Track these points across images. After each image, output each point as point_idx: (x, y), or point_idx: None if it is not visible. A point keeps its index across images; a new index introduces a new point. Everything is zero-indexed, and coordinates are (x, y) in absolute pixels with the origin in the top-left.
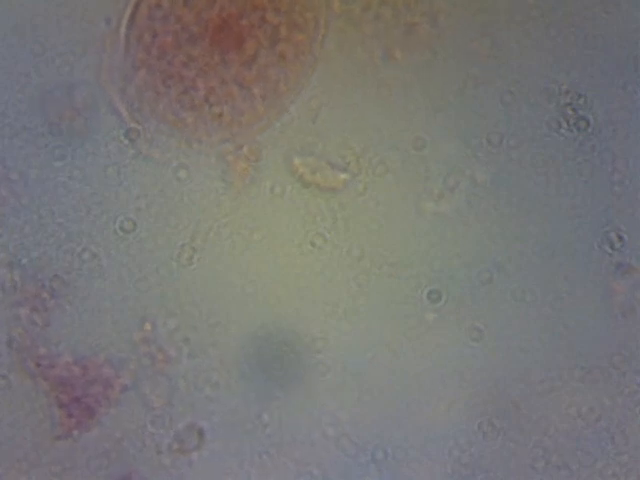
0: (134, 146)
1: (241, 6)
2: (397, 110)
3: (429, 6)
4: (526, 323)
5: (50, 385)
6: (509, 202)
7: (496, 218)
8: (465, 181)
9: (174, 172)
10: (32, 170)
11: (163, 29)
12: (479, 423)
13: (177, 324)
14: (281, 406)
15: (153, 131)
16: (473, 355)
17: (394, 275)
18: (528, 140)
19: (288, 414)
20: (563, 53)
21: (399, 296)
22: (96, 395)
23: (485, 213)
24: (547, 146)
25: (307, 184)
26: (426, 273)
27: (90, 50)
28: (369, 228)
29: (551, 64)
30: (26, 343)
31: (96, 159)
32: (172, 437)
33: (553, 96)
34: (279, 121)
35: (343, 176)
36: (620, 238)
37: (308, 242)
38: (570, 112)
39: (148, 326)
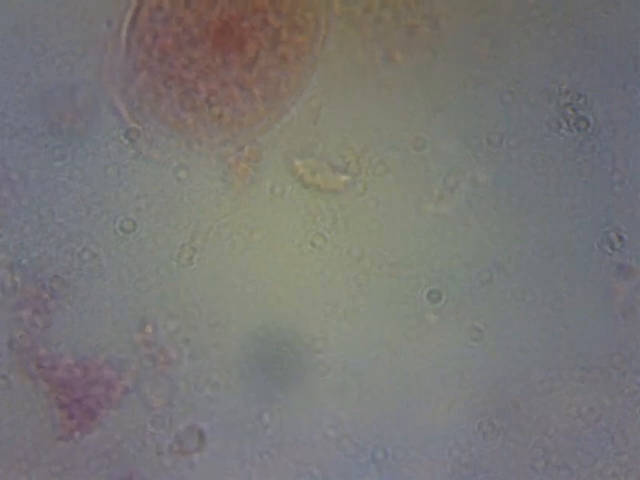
0: (134, 146)
1: (242, 8)
2: (397, 110)
3: (429, 8)
4: (526, 323)
5: (51, 386)
6: (509, 202)
7: (496, 218)
8: (465, 181)
9: (174, 172)
10: (32, 170)
11: (164, 31)
12: (479, 423)
13: (177, 325)
14: (281, 406)
15: (153, 131)
16: (473, 355)
17: (394, 275)
18: (528, 140)
19: (288, 414)
20: (563, 53)
21: (399, 296)
22: (97, 396)
23: (485, 213)
24: (547, 146)
25: (307, 185)
26: (426, 273)
27: (90, 50)
28: (369, 228)
29: (551, 64)
30: (27, 344)
31: (96, 159)
32: (173, 438)
33: (553, 96)
34: (280, 122)
35: (344, 178)
36: (620, 238)
37: (308, 242)
38: (570, 112)
39: (149, 329)
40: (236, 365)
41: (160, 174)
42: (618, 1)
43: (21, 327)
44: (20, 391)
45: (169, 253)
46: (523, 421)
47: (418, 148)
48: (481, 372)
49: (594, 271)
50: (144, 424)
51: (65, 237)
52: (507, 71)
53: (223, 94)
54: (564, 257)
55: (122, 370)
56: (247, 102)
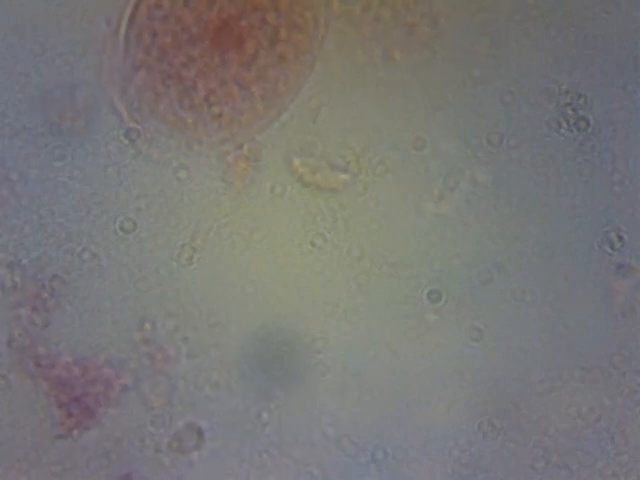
0: (134, 146)
1: (241, 7)
2: (397, 110)
3: (428, 6)
4: (526, 323)
5: (50, 385)
6: (509, 202)
7: (496, 218)
8: (465, 181)
9: (174, 172)
10: (32, 170)
11: (163, 29)
12: (479, 423)
13: (177, 324)
14: (281, 406)
15: (153, 131)
16: (473, 355)
17: (394, 275)
18: (528, 140)
19: (288, 414)
20: (563, 53)
21: (399, 296)
22: (96, 395)
23: (485, 213)
24: (547, 146)
25: (307, 184)
26: (426, 273)
27: (90, 50)
28: (369, 228)
29: (551, 64)
30: (26, 343)
31: (96, 159)
32: (172, 436)
33: (553, 96)
34: (279, 121)
35: (343, 176)
36: (620, 238)
37: (308, 242)
38: (570, 112)
39: (148, 326)
40: (236, 365)
41: (160, 174)
42: (618, 1)
43: (20, 326)
44: (20, 391)
45: (169, 253)
46: (523, 421)
47: (418, 148)
48: (481, 372)
49: (594, 271)
50: (143, 423)
51: (65, 237)
52: (507, 71)
53: (222, 93)
54: (564, 257)
55: (121, 369)
56: (246, 101)
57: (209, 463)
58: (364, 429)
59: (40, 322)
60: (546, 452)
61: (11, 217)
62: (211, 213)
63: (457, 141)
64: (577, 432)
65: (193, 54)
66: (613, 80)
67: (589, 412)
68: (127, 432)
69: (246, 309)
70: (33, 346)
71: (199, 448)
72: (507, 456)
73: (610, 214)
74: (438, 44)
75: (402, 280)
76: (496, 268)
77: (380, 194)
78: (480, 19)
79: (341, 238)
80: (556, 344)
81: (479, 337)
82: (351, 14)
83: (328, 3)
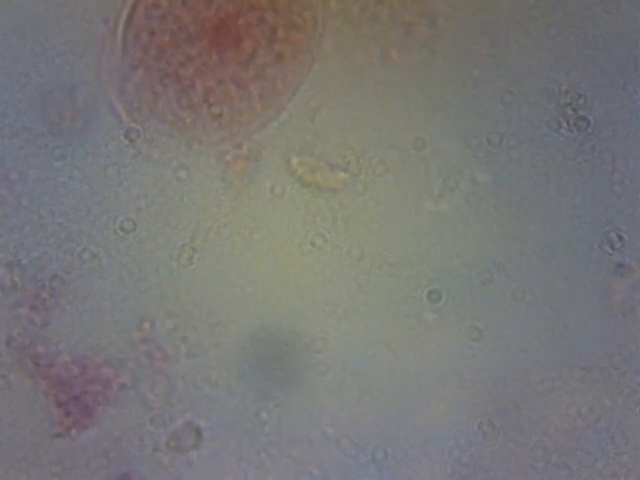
0: (134, 146)
1: (239, 6)
2: (396, 110)
3: (427, 5)
4: (526, 323)
5: (48, 384)
6: (509, 202)
7: (496, 218)
8: (465, 181)
9: (174, 172)
10: (32, 170)
11: (161, 28)
12: (479, 423)
13: (176, 324)
14: (280, 405)
15: (153, 131)
16: (473, 355)
17: (394, 275)
18: (528, 140)
19: (288, 414)
20: (563, 53)
21: (399, 296)
22: (94, 394)
23: (485, 213)
24: (547, 146)
25: (307, 184)
26: (426, 273)
27: (90, 50)
28: (369, 228)
29: (551, 64)
30: (25, 342)
31: (96, 159)
32: (170, 435)
33: (553, 96)
34: (277, 120)
35: (343, 175)
36: (620, 238)
37: (308, 242)
38: (570, 112)
39: (147, 326)
40: (236, 364)
41: (160, 174)
42: (618, 1)
43: (19, 325)
44: (19, 390)
45: (169, 253)
46: (523, 421)
47: (418, 148)
48: (481, 372)
49: (594, 271)
50: (142, 422)
51: (65, 237)
52: (507, 71)
53: (220, 92)
54: (564, 257)
55: (120, 368)
56: (244, 100)
57: (208, 462)
58: (364, 429)
59: (39, 322)
60: (546, 452)
61: (11, 217)
62: (211, 213)
63: (457, 141)
64: (577, 432)
65: (191, 53)
66: (613, 80)
67: (589, 412)
68: (126, 431)
69: (246, 309)
70: (32, 345)
71: (198, 447)
72: (507, 456)
73: (610, 214)
74: (437, 44)
75: (402, 280)
76: (496, 268)
77: (380, 194)
78: (480, 19)
79: (341, 238)
80: (556, 344)
81: (479, 337)
82: (349, 13)
83: (326, 2)
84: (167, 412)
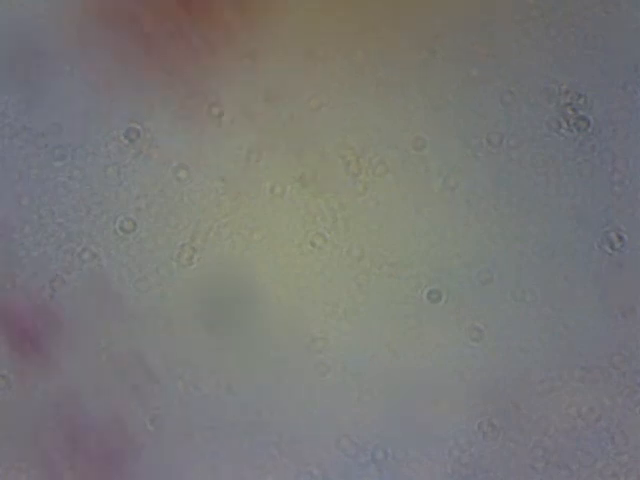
0: (134, 146)
1: None
2: (396, 110)
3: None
4: (526, 323)
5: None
6: (509, 202)
7: (496, 218)
8: (465, 181)
9: (174, 172)
10: (32, 170)
11: None
12: (479, 423)
13: (177, 324)
14: (281, 406)
15: (153, 131)
16: (473, 355)
17: (394, 275)
18: (528, 140)
19: (288, 414)
20: (563, 53)
21: (399, 296)
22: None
23: (485, 213)
24: (547, 146)
25: (307, 184)
26: (426, 273)
27: None
28: (369, 228)
29: (551, 64)
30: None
31: (96, 159)
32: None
33: (553, 96)
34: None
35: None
36: (620, 238)
37: (308, 242)
38: (570, 112)
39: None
40: (235, 364)
41: (160, 174)
42: (618, 1)
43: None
44: (20, 390)
45: (169, 253)
46: (523, 421)
47: (418, 148)
48: (481, 372)
49: (594, 271)
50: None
51: (65, 237)
52: (507, 71)
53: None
54: (564, 257)
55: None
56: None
57: (208, 462)
58: (364, 429)
59: (40, 324)
60: (546, 452)
61: (11, 217)
62: (211, 213)
63: (457, 141)
64: (577, 432)
65: None
66: (613, 80)
67: (589, 412)
68: (125, 430)
69: (246, 309)
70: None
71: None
72: (507, 456)
73: (610, 214)
74: (437, 44)
75: (402, 280)
76: (496, 268)
77: (380, 194)
78: (480, 19)
79: (341, 238)
80: (556, 344)
81: (479, 337)
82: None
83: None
84: (167, 412)
